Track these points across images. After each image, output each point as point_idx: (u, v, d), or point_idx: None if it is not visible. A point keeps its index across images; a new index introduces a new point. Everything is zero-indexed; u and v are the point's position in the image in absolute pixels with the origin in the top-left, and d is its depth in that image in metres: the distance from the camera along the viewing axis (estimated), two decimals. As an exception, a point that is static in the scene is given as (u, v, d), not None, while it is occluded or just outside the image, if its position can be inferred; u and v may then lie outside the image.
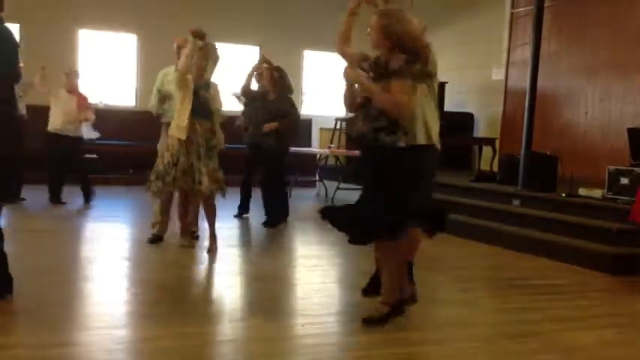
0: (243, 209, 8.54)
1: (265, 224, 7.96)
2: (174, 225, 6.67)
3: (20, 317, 4.17)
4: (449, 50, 12.65)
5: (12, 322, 4.06)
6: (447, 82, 11.79)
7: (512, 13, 11.47)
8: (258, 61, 8.40)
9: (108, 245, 6.53)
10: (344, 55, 4.35)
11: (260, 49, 13.80)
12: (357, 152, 4.56)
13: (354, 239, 4.24)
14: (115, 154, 11.62)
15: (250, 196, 8.54)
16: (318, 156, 12.36)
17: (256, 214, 8.44)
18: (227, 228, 7.88)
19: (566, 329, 4.38)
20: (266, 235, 7.74)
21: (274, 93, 7.96)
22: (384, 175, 4.08)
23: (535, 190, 7.97)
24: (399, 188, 4.04)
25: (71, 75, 9.40)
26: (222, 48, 11.63)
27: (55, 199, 9.08)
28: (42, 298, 4.53)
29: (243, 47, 13.58)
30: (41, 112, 9.25)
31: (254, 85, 8.41)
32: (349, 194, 8.78)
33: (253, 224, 8.22)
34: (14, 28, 11.94)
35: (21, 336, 3.82)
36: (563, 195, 7.64)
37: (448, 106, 11.75)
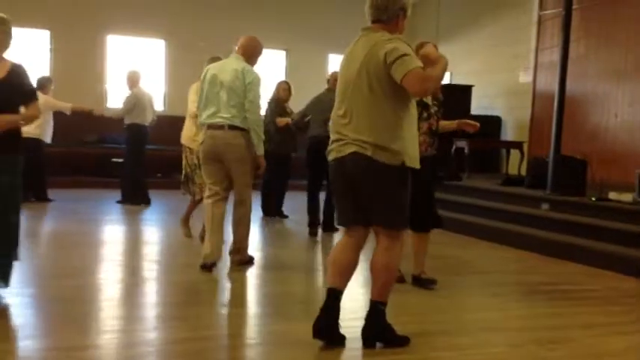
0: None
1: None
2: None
3: (50, 320, 4.23)
4: (476, 53, 12.60)
5: (42, 325, 4.12)
6: (473, 86, 11.73)
7: (539, 16, 11.38)
8: None
9: (138, 248, 6.59)
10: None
11: (286, 53, 13.89)
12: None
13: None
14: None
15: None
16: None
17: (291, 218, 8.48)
18: (257, 232, 7.93)
19: (595, 335, 4.34)
20: (294, 239, 7.76)
21: None
22: None
23: (564, 194, 7.89)
24: None
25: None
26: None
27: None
28: (73, 300, 4.60)
29: (269, 51, 13.63)
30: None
31: None
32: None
33: (282, 228, 8.24)
34: (44, 35, 12.20)
35: (51, 338, 3.87)
36: (593, 199, 7.56)
37: (475, 110, 11.69)
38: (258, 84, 5.61)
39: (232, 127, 5.51)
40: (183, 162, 6.77)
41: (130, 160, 9.74)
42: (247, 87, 5.53)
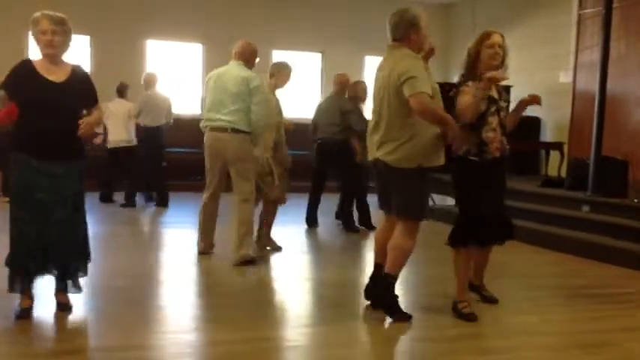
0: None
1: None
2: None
3: (93, 321, 4.31)
4: (514, 53, 12.33)
5: (86, 326, 4.20)
6: (512, 86, 11.58)
7: (579, 15, 11.21)
8: None
9: (177, 250, 6.66)
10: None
11: (322, 55, 13.91)
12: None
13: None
14: (182, 162, 11.82)
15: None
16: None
17: (326, 221, 8.51)
18: (297, 234, 7.97)
19: (637, 338, 4.26)
20: (336, 242, 7.77)
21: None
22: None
23: (605, 196, 7.76)
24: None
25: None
26: (285, 56, 11.84)
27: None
28: (114, 302, 4.68)
29: (305, 54, 13.68)
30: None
31: None
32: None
33: (324, 231, 8.25)
34: (84, 40, 12.42)
35: (94, 339, 3.95)
36: (635, 200, 7.42)
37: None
38: (262, 89, 6.08)
39: (234, 130, 5.94)
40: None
41: (146, 161, 9.85)
42: (252, 91, 5.95)
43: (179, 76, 13.08)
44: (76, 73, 4.22)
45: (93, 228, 7.97)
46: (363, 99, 8.20)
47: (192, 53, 13.27)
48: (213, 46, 12.92)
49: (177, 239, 7.52)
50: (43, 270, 4.23)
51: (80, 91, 4.20)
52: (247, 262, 5.97)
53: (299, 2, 13.49)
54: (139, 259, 6.25)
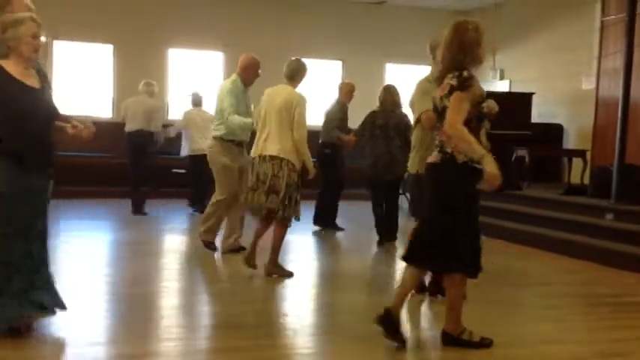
0: None
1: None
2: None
3: (109, 328, 4.34)
4: (536, 59, 12.38)
5: (101, 333, 4.22)
6: (534, 93, 11.52)
7: (602, 21, 11.11)
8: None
9: (193, 257, 6.69)
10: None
11: (342, 63, 13.92)
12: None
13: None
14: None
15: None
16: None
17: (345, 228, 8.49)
18: (311, 241, 7.96)
19: (662, 349, 4.20)
20: (351, 249, 7.75)
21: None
22: None
23: (629, 204, 7.66)
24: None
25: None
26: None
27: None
28: (130, 308, 4.70)
29: (326, 62, 13.68)
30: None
31: None
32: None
33: (338, 238, 8.24)
34: (108, 49, 12.55)
35: (110, 346, 3.97)
36: (659, 208, 7.32)
37: (535, 118, 11.46)
38: (229, 94, 6.51)
39: (214, 137, 6.64)
40: (283, 180, 5.58)
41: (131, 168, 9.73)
42: (222, 98, 6.57)
43: (199, 83, 13.14)
44: (42, 79, 4.00)
45: (111, 235, 8.11)
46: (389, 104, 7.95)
47: (213, 61, 13.36)
48: (234, 54, 12.97)
49: (197, 247, 7.55)
50: (29, 285, 3.85)
51: (50, 97, 4.03)
52: (206, 245, 6.67)
53: (319, 10, 13.51)
54: (158, 266, 6.29)
